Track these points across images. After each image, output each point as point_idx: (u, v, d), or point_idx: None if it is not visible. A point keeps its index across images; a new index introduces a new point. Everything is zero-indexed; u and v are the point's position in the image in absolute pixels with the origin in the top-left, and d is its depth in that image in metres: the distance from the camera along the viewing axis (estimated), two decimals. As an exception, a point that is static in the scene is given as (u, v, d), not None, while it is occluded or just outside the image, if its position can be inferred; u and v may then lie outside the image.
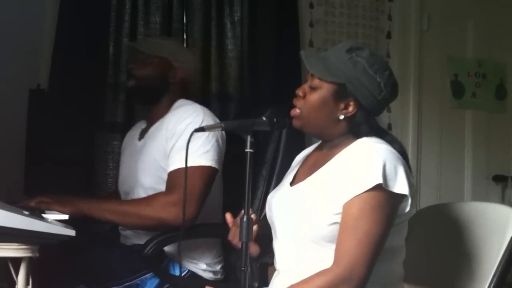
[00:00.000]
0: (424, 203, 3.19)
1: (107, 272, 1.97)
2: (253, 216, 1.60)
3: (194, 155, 1.97)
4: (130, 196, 2.19)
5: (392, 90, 1.62)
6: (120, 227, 2.22)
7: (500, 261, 1.66)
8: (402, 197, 1.51)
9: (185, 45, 3.00)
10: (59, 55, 2.73)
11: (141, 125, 2.33)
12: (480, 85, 3.77)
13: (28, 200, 1.97)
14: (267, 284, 1.72)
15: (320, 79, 1.59)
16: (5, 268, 1.50)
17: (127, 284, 1.98)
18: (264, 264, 1.86)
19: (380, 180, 1.46)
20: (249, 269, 1.45)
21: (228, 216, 1.68)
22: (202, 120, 2.07)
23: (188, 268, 2.09)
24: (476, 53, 3.74)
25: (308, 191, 1.59)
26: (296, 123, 1.64)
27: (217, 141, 2.06)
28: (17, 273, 1.48)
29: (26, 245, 1.47)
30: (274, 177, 2.22)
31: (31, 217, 1.51)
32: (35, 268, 1.54)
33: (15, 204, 1.78)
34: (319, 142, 1.74)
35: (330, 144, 1.65)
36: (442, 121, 3.64)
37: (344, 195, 1.50)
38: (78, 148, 2.74)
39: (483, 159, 3.73)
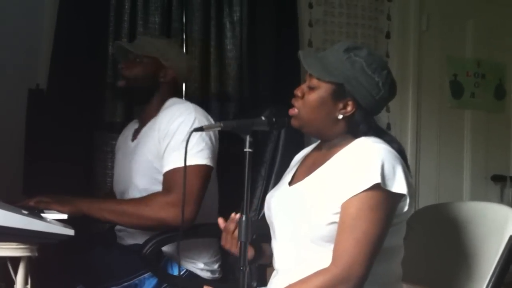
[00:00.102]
0: (423, 202, 3.18)
1: (105, 272, 1.97)
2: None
3: (188, 154, 1.96)
4: (125, 197, 2.18)
5: (391, 89, 1.62)
6: (116, 228, 2.22)
7: (499, 261, 1.66)
8: (400, 196, 1.52)
9: (184, 45, 3.01)
10: (58, 55, 2.73)
11: (134, 125, 2.32)
12: (479, 85, 3.77)
13: (27, 199, 1.97)
14: (266, 284, 1.72)
15: (319, 79, 1.59)
16: (4, 268, 1.50)
17: (125, 284, 1.99)
18: (263, 264, 1.86)
19: (378, 180, 1.46)
20: (247, 269, 1.45)
21: (221, 221, 1.68)
22: (194, 118, 2.06)
23: (186, 268, 2.09)
24: (475, 53, 3.74)
25: (306, 191, 1.60)
26: (294, 122, 1.64)
27: (210, 139, 2.06)
28: (16, 273, 1.48)
29: (25, 245, 1.47)
30: (273, 177, 2.22)
31: (30, 217, 1.51)
32: (34, 268, 1.54)
33: (14, 204, 1.78)
34: (318, 142, 1.74)
35: (328, 144, 1.66)
36: (441, 121, 3.65)
37: (343, 194, 1.50)
38: (77, 148, 2.74)
39: (482, 159, 3.74)
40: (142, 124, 2.22)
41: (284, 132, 2.25)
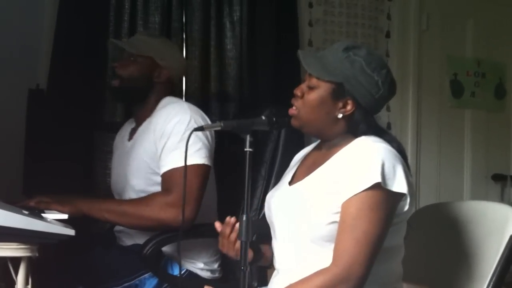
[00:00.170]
0: (423, 202, 3.18)
1: (106, 273, 1.98)
2: (237, 225, 1.61)
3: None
4: (122, 197, 2.18)
5: (390, 88, 1.62)
6: (115, 229, 2.22)
7: (499, 260, 1.66)
8: (400, 196, 1.52)
9: (184, 44, 3.00)
10: (58, 55, 2.73)
11: (131, 124, 2.31)
12: (479, 85, 3.77)
13: (27, 199, 1.98)
14: (266, 284, 1.72)
15: (318, 78, 1.59)
16: (4, 268, 1.50)
17: (126, 284, 1.99)
18: (263, 266, 1.86)
19: (378, 179, 1.46)
20: (248, 269, 1.46)
21: (217, 225, 1.68)
22: (190, 118, 2.05)
23: (186, 268, 2.09)
24: (475, 53, 3.74)
25: (307, 191, 1.60)
26: (294, 122, 1.64)
27: (206, 138, 2.05)
28: (16, 273, 1.48)
29: (25, 245, 1.48)
30: (273, 177, 2.21)
31: (30, 217, 1.52)
32: (34, 268, 1.54)
33: (14, 204, 1.78)
34: (318, 141, 1.74)
35: (328, 143, 1.66)
36: (441, 120, 3.65)
37: (343, 194, 1.50)
38: (77, 148, 2.74)
39: (482, 158, 3.74)
40: (138, 123, 2.22)
41: (284, 131, 2.25)
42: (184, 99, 2.96)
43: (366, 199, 1.48)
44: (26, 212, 1.57)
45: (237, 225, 1.62)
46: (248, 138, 1.50)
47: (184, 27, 3.00)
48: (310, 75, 1.61)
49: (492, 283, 1.66)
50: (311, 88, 1.60)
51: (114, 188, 2.29)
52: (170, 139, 2.02)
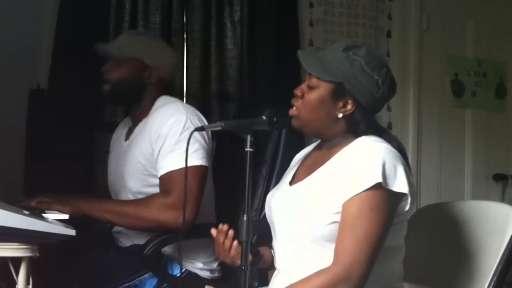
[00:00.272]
0: (424, 202, 3.19)
1: (106, 273, 1.98)
2: (231, 231, 1.63)
3: (184, 156, 1.94)
4: (119, 198, 2.18)
5: (390, 87, 1.62)
6: (113, 229, 2.22)
7: (500, 260, 1.66)
8: (401, 195, 1.52)
9: (185, 44, 3.00)
10: (58, 55, 2.73)
11: (128, 122, 2.29)
12: (480, 84, 3.77)
13: (28, 200, 1.98)
14: (267, 284, 1.72)
15: (318, 78, 1.59)
16: (5, 268, 1.50)
17: (126, 285, 1.99)
18: (262, 269, 1.86)
19: (379, 179, 1.46)
20: (249, 269, 1.45)
21: (213, 231, 1.68)
22: (186, 118, 2.03)
23: (185, 268, 2.09)
24: (476, 52, 3.74)
25: (307, 191, 1.59)
26: (295, 123, 1.64)
27: (203, 139, 2.04)
28: (17, 273, 1.48)
29: (26, 245, 1.48)
30: (274, 177, 2.21)
31: (31, 217, 1.52)
32: (35, 268, 1.54)
33: (15, 204, 1.78)
34: (318, 141, 1.74)
35: (329, 143, 1.65)
36: (442, 120, 3.65)
37: (344, 194, 1.50)
38: (77, 148, 2.74)
39: (483, 158, 3.73)
40: (135, 123, 2.20)
41: (285, 131, 2.25)
42: (184, 99, 2.97)
43: (367, 199, 1.48)
44: (27, 212, 1.57)
45: (231, 232, 1.63)
46: (248, 138, 1.50)
47: (184, 27, 3.00)
48: (310, 75, 1.61)
49: (493, 283, 1.65)
50: (311, 88, 1.60)
51: (111, 188, 2.29)
52: (166, 140, 2.01)
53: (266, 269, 1.77)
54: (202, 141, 2.03)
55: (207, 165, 2.04)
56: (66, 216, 1.85)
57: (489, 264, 1.68)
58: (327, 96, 1.59)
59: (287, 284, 1.53)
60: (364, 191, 1.47)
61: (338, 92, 1.59)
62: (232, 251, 1.63)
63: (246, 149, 1.50)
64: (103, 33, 2.83)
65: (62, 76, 2.70)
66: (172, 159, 1.98)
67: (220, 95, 3.03)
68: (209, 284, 1.76)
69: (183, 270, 2.07)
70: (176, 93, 2.91)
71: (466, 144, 3.71)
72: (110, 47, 2.21)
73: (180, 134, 1.99)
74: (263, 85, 3.07)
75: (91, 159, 2.82)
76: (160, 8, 2.94)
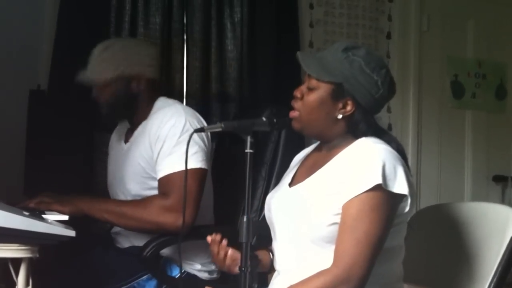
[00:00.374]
0: (424, 203, 3.19)
1: (105, 274, 1.98)
2: (224, 241, 1.63)
3: (183, 158, 1.93)
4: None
5: (390, 88, 1.62)
6: (112, 230, 2.22)
7: (500, 261, 1.66)
8: (401, 197, 1.52)
9: (185, 45, 3.00)
10: (59, 56, 2.73)
11: (126, 124, 2.28)
12: (480, 85, 3.77)
13: (28, 200, 1.98)
14: (267, 285, 1.72)
15: (318, 79, 1.59)
16: (4, 269, 1.50)
17: (125, 286, 1.99)
18: (261, 273, 1.86)
19: (379, 180, 1.46)
20: (249, 270, 1.45)
21: (209, 239, 1.68)
22: (185, 121, 2.03)
23: (184, 269, 2.09)
24: (476, 53, 3.74)
25: (307, 192, 1.59)
26: (296, 125, 1.64)
27: (203, 141, 2.04)
28: (17, 274, 1.48)
29: (26, 246, 1.48)
30: (274, 178, 2.21)
31: (31, 218, 1.52)
32: (35, 269, 1.54)
33: (15, 205, 1.78)
34: (318, 142, 1.74)
35: (329, 144, 1.65)
36: (442, 121, 3.65)
37: (344, 195, 1.50)
38: (77, 149, 2.74)
39: (483, 159, 3.74)
40: (134, 126, 2.19)
41: (285, 132, 2.25)
42: (184, 99, 2.97)
43: (367, 200, 1.48)
44: (27, 213, 1.57)
45: (224, 242, 1.64)
46: (248, 139, 1.50)
47: (185, 28, 3.00)
48: (309, 76, 1.61)
49: (493, 284, 1.65)
50: (310, 89, 1.60)
51: (110, 190, 2.28)
52: (165, 143, 2.00)
53: (265, 272, 1.76)
54: (201, 144, 2.03)
55: (206, 167, 2.03)
56: (66, 217, 1.85)
57: (489, 266, 1.68)
58: (327, 97, 1.59)
59: (287, 285, 1.53)
60: (364, 192, 1.47)
61: (338, 93, 1.59)
62: (228, 260, 1.64)
63: (246, 150, 1.49)
64: (103, 34, 2.83)
65: (63, 77, 2.70)
66: (171, 162, 1.98)
67: (220, 95, 3.03)
68: (208, 285, 1.76)
69: (182, 272, 2.07)
70: (176, 94, 2.92)
71: (466, 145, 3.71)
72: (87, 76, 2.12)
73: (179, 137, 1.99)
74: (263, 85, 3.07)
75: (91, 160, 2.82)
76: (160, 8, 2.94)
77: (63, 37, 2.74)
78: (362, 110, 1.60)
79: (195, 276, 2.11)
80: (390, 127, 3.40)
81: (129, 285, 2.00)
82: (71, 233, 1.55)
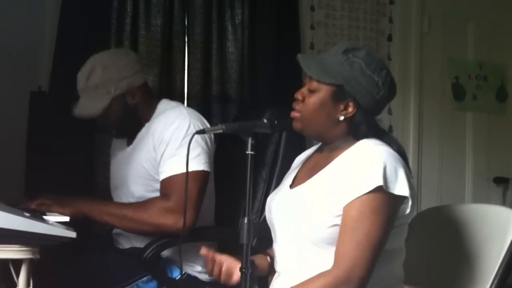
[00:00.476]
0: (424, 205, 3.20)
1: (105, 276, 1.98)
2: (218, 257, 1.66)
3: (185, 160, 1.93)
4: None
5: (390, 89, 1.62)
6: (113, 231, 2.22)
7: (501, 263, 1.66)
8: (402, 199, 1.52)
9: (186, 47, 3.00)
10: (60, 57, 2.73)
11: None
12: (481, 87, 3.77)
13: (29, 202, 1.98)
14: (267, 287, 1.72)
15: (318, 81, 1.59)
16: (5, 270, 1.50)
17: None
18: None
19: (380, 182, 1.46)
20: (249, 271, 1.45)
21: (204, 251, 1.69)
22: (189, 123, 2.03)
23: (185, 271, 2.08)
24: (477, 55, 3.74)
25: (308, 194, 1.59)
26: (296, 125, 1.64)
27: (206, 143, 2.04)
28: (18, 275, 1.48)
29: (27, 247, 1.48)
30: (274, 179, 2.21)
31: (32, 219, 1.52)
32: (35, 270, 1.54)
33: (16, 206, 1.78)
34: (319, 144, 1.74)
35: (330, 146, 1.65)
36: (443, 123, 3.64)
37: (345, 197, 1.50)
38: (78, 150, 2.74)
39: (484, 161, 3.73)
40: (137, 129, 2.19)
41: (285, 134, 2.25)
42: (185, 101, 2.97)
43: (368, 202, 1.48)
44: (28, 214, 1.57)
45: (218, 258, 1.65)
46: (249, 140, 1.50)
47: (186, 30, 3.00)
48: (310, 78, 1.62)
49: (494, 286, 1.66)
50: (311, 92, 1.60)
51: (114, 193, 2.28)
52: (169, 145, 2.01)
53: (263, 276, 1.76)
54: (204, 146, 2.03)
55: (208, 170, 2.03)
56: (66, 218, 1.85)
57: (490, 267, 1.68)
58: (328, 98, 1.59)
59: (288, 286, 1.53)
60: (365, 194, 1.48)
61: (339, 95, 1.59)
62: (223, 275, 1.65)
63: (247, 152, 1.50)
64: (104, 36, 2.83)
65: (64, 78, 2.70)
66: (173, 164, 1.98)
67: (221, 97, 3.03)
68: (208, 287, 1.77)
69: (182, 273, 2.07)
70: (177, 96, 2.92)
71: (467, 147, 3.71)
72: (81, 112, 2.11)
73: (183, 139, 1.99)
74: (264, 87, 3.08)
75: (91, 161, 2.82)
76: (161, 11, 2.94)
77: (64, 38, 2.74)
78: (363, 112, 1.60)
79: (195, 278, 2.11)
80: (391, 129, 3.40)
81: (129, 286, 2.00)
82: (72, 234, 1.55)
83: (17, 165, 2.65)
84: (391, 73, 1.64)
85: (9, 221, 1.46)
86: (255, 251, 1.71)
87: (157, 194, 2.04)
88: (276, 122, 1.59)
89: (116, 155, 2.30)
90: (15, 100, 2.69)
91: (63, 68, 2.71)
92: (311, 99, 1.60)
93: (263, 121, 1.59)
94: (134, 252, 2.03)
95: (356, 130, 1.61)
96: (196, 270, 2.11)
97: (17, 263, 1.49)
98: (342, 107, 1.60)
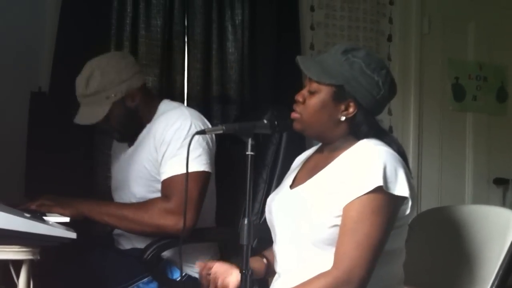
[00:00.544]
0: (425, 206, 3.20)
1: (106, 277, 1.98)
2: (213, 272, 1.66)
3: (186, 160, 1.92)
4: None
5: (391, 88, 1.62)
6: (114, 232, 2.22)
7: (501, 264, 1.66)
8: (402, 199, 1.52)
9: (186, 47, 3.00)
10: (60, 58, 2.73)
11: None
12: (481, 88, 3.77)
13: (29, 202, 1.98)
14: (267, 286, 1.72)
15: (319, 82, 1.59)
16: (5, 270, 1.50)
17: None
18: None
19: (380, 183, 1.46)
20: (250, 273, 1.45)
21: (199, 265, 1.70)
22: (191, 123, 2.03)
23: (185, 272, 2.08)
24: (477, 56, 3.74)
25: (308, 194, 1.59)
26: (297, 126, 1.64)
27: (207, 143, 2.04)
28: (18, 276, 1.48)
29: (27, 248, 1.48)
30: (275, 180, 2.21)
31: (32, 220, 1.52)
32: (35, 271, 1.54)
33: (16, 207, 1.78)
34: (319, 144, 1.74)
35: (330, 146, 1.66)
36: (443, 124, 3.64)
37: (345, 197, 1.50)
38: (79, 150, 2.74)
39: (484, 162, 3.73)
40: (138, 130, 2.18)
41: (286, 135, 2.25)
42: (185, 101, 2.97)
43: (367, 203, 1.48)
44: (28, 215, 1.57)
45: (213, 273, 1.66)
46: (250, 141, 1.50)
47: (186, 30, 3.00)
48: (310, 80, 1.61)
49: (494, 287, 1.65)
50: (312, 93, 1.60)
51: (115, 194, 2.28)
52: (170, 145, 2.01)
53: (261, 279, 1.76)
54: (206, 146, 2.03)
55: (209, 170, 2.03)
56: (67, 219, 1.85)
57: (490, 269, 1.68)
58: (329, 99, 1.59)
59: (288, 287, 1.53)
60: (365, 194, 1.48)
61: (339, 95, 1.59)
62: None
63: (247, 153, 1.49)
64: (104, 36, 2.83)
65: (64, 79, 2.69)
66: (174, 164, 1.98)
67: (221, 97, 3.03)
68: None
69: (183, 274, 2.07)
70: (177, 96, 2.92)
71: (467, 148, 3.71)
72: (83, 120, 2.09)
73: (184, 139, 1.99)
74: (264, 87, 3.08)
75: (92, 162, 2.82)
76: (161, 11, 2.94)
77: (64, 38, 2.74)
78: (364, 112, 1.60)
79: (196, 279, 2.10)
80: (391, 129, 3.39)
81: (129, 287, 1.99)
82: (72, 235, 1.55)
83: (17, 165, 2.65)
84: (391, 72, 1.64)
85: (10, 221, 1.46)
86: (255, 252, 1.72)
87: (159, 194, 2.04)
88: (276, 122, 1.59)
89: (118, 156, 2.30)
90: (15, 101, 2.69)
91: (63, 68, 2.71)
92: (311, 101, 1.60)
93: (263, 122, 1.59)
94: (135, 253, 2.03)
95: (357, 130, 1.61)
96: (197, 271, 2.10)
97: (17, 264, 1.49)
98: (343, 107, 1.60)
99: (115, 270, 2.01)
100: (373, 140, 1.60)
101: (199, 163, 2.00)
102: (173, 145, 2.00)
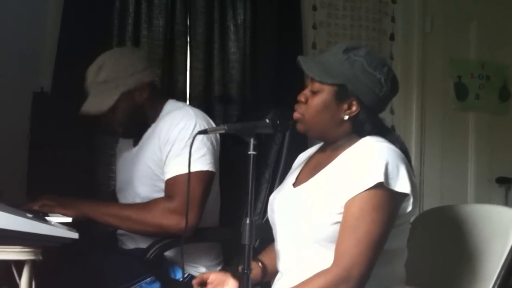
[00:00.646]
0: (427, 205, 3.19)
1: (108, 277, 1.98)
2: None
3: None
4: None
5: (393, 85, 1.62)
6: (118, 232, 2.22)
7: (504, 263, 1.66)
8: (403, 196, 1.51)
9: (188, 47, 3.00)
10: (62, 58, 2.73)
11: None
12: (484, 87, 3.76)
13: (31, 203, 1.98)
14: (270, 287, 1.72)
15: (320, 82, 1.59)
16: (7, 271, 1.51)
17: None
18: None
19: (381, 179, 1.46)
20: (251, 272, 1.45)
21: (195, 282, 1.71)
22: (195, 124, 2.03)
23: (188, 272, 2.08)
24: (479, 55, 3.73)
25: (311, 193, 1.59)
26: (300, 127, 1.64)
27: (211, 143, 2.05)
28: (20, 276, 1.48)
29: (29, 248, 1.48)
30: (277, 180, 2.21)
31: (34, 220, 1.52)
32: (37, 271, 1.54)
33: (18, 207, 1.78)
34: (322, 143, 1.74)
35: (333, 145, 1.65)
36: (445, 123, 3.64)
37: (346, 193, 1.50)
38: (81, 151, 2.74)
39: (486, 161, 3.72)
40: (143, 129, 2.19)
41: (289, 134, 2.25)
42: (187, 101, 2.97)
43: (368, 199, 1.48)
44: (30, 215, 1.57)
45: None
46: (252, 141, 1.50)
47: (188, 30, 3.01)
48: (312, 80, 1.61)
49: (496, 286, 1.65)
50: (314, 93, 1.60)
51: (119, 194, 2.28)
52: (174, 145, 2.01)
53: (259, 283, 1.76)
54: (210, 146, 2.03)
55: (213, 170, 2.03)
56: (69, 219, 1.85)
57: (492, 268, 1.68)
58: (331, 99, 1.59)
59: (289, 285, 1.53)
60: (365, 190, 1.48)
61: (342, 94, 1.59)
62: None
63: (249, 152, 1.50)
64: (106, 36, 2.83)
65: (66, 79, 2.70)
66: (178, 164, 1.98)
67: (223, 97, 3.04)
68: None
69: (185, 274, 2.07)
70: (179, 96, 2.92)
71: (469, 147, 3.70)
72: (90, 109, 2.08)
73: (188, 139, 1.99)
74: (266, 87, 3.08)
75: (94, 162, 2.82)
76: (163, 11, 2.94)
77: (66, 39, 2.74)
78: (367, 110, 1.60)
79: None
80: (393, 128, 3.39)
81: (132, 287, 2.00)
82: (74, 235, 1.55)
83: (19, 165, 2.65)
84: (393, 70, 1.64)
85: (12, 222, 1.46)
86: (257, 252, 1.72)
87: (163, 194, 2.04)
88: (278, 122, 1.59)
89: (122, 156, 2.30)
90: (17, 101, 2.69)
91: (65, 69, 2.71)
92: (314, 101, 1.60)
93: (266, 122, 1.59)
94: (138, 252, 2.03)
95: (360, 129, 1.61)
96: (199, 271, 2.11)
97: (19, 264, 1.49)
98: (345, 106, 1.60)
99: (118, 270, 2.01)
100: (376, 137, 1.60)
101: (203, 163, 2.00)
102: (177, 144, 2.01)
